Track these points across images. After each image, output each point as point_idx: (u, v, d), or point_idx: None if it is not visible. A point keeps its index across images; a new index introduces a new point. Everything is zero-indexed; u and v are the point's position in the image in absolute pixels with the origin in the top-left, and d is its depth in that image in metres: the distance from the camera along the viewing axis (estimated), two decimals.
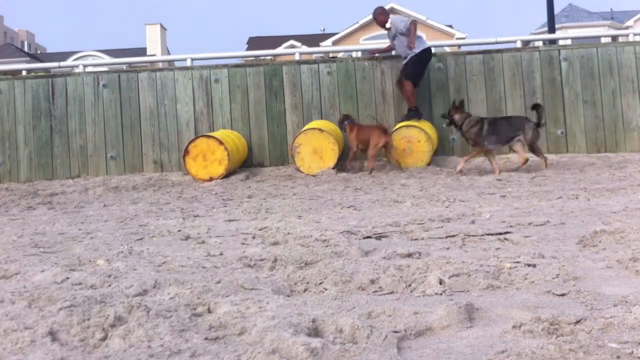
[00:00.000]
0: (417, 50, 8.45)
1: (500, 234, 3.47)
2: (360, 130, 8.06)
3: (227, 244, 3.58)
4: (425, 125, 8.47)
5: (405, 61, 8.58)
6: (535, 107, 7.28)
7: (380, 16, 8.74)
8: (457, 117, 7.28)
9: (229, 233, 3.97)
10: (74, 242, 3.88)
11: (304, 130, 8.25)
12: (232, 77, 9.17)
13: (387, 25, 8.69)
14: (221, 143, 7.94)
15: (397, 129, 8.27)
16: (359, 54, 9.98)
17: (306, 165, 8.12)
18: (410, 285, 2.44)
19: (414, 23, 8.54)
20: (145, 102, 9.19)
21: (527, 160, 7.15)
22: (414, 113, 8.45)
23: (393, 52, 8.92)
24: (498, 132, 7.13)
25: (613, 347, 1.66)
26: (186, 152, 8.06)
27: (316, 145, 8.08)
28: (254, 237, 3.73)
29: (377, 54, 9.18)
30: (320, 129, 8.12)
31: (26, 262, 3.17)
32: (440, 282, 2.43)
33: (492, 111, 8.99)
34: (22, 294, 2.37)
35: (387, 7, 34.66)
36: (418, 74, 8.55)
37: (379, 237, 3.61)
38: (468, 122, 7.19)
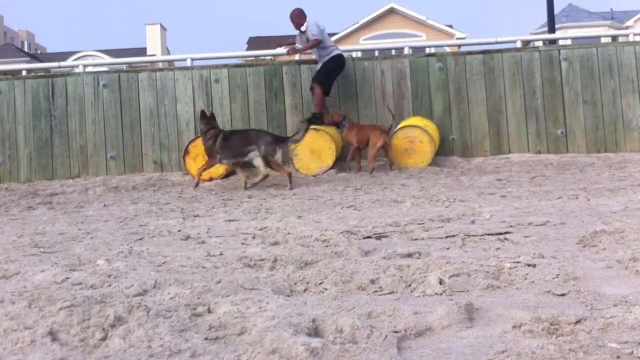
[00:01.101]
0: (326, 58, 8.45)
1: (500, 234, 3.46)
2: (360, 129, 8.07)
3: (227, 244, 3.58)
4: (430, 127, 8.47)
5: (318, 67, 8.59)
6: (308, 119, 6.97)
7: (297, 18, 8.63)
8: (201, 127, 7.09)
9: (229, 233, 3.97)
10: (74, 242, 3.88)
11: None
12: (232, 77, 9.17)
13: (303, 28, 8.63)
14: None
15: (400, 128, 8.27)
16: (359, 54, 9.99)
17: (305, 166, 8.13)
18: (410, 285, 2.44)
19: (315, 42, 8.43)
20: (145, 102, 9.19)
21: (266, 175, 6.78)
22: (314, 118, 8.27)
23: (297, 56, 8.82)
24: (230, 146, 6.82)
25: (613, 347, 1.66)
26: (186, 152, 8.06)
27: (313, 146, 8.08)
28: (254, 237, 3.73)
29: (289, 51, 8.91)
30: (315, 129, 8.13)
31: (26, 262, 3.16)
32: (440, 282, 2.43)
33: (493, 111, 9.00)
34: (22, 294, 2.37)
35: (387, 7, 34.81)
36: (327, 80, 8.48)
37: (379, 237, 3.61)
38: (207, 134, 6.95)
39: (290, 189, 6.61)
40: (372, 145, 7.87)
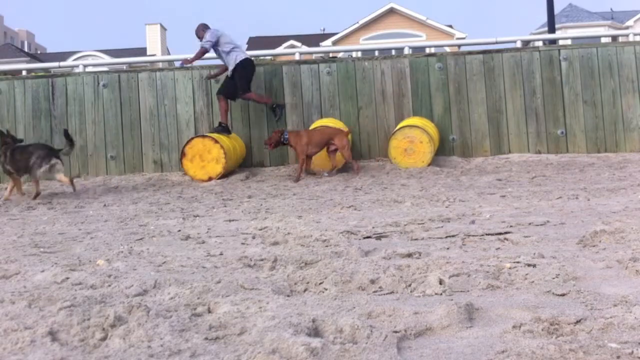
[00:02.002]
0: (233, 65, 8.33)
1: (500, 234, 3.46)
2: (313, 134, 7.85)
3: (227, 244, 3.58)
4: (429, 127, 8.48)
5: (230, 73, 8.47)
6: (64, 134, 7.10)
7: (201, 32, 8.56)
8: None
9: (229, 233, 3.97)
10: (74, 242, 3.88)
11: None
12: None
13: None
14: (216, 142, 7.94)
15: (399, 128, 8.28)
16: (359, 54, 10.00)
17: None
18: (410, 285, 2.44)
19: (201, 51, 8.39)
20: (145, 102, 9.19)
21: (37, 194, 6.85)
22: (277, 108, 8.39)
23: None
24: (16, 160, 6.93)
25: (613, 347, 1.66)
26: (182, 154, 8.04)
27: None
28: (254, 237, 3.73)
29: (211, 76, 8.92)
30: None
31: (26, 262, 3.16)
32: (440, 282, 2.43)
33: (493, 111, 9.00)
34: (22, 294, 2.37)
35: (387, 7, 34.79)
36: (245, 83, 8.38)
37: (379, 237, 3.61)
38: (0, 150, 7.04)
39: (74, 190, 6.80)
40: (341, 148, 7.72)
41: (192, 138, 8.16)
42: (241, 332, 1.91)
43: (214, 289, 2.40)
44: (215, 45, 8.40)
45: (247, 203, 5.68)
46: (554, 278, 2.44)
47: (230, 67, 8.41)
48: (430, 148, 8.08)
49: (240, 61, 8.36)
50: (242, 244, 3.56)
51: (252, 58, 8.73)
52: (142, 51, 42.77)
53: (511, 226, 3.70)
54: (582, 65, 8.98)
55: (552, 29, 15.90)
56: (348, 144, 7.80)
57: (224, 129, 8.42)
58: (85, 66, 10.22)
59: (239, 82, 8.37)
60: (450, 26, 35.94)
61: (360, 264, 2.76)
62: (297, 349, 1.70)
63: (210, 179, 7.91)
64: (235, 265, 2.92)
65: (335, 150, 7.83)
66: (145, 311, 2.07)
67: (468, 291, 2.35)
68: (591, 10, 43.34)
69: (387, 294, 2.38)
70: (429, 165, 8.05)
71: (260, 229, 4.00)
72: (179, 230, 4.17)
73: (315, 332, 1.89)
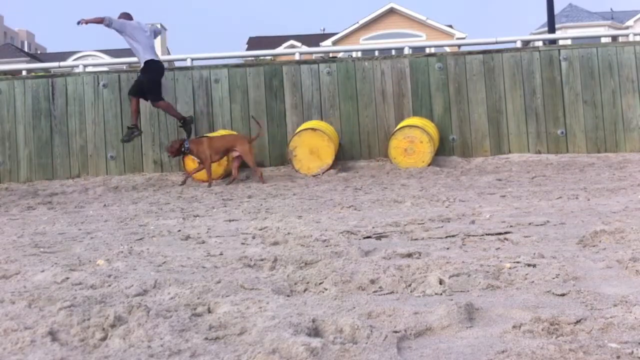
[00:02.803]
0: (142, 64, 8.09)
1: (500, 234, 3.46)
2: (213, 140, 7.74)
3: (227, 244, 3.58)
4: (429, 127, 8.48)
5: (139, 72, 8.26)
6: None
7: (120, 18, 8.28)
8: None
9: (229, 233, 3.97)
10: (74, 242, 3.88)
11: (297, 133, 8.26)
12: (232, 77, 9.17)
13: None
14: None
15: (399, 128, 8.29)
16: (359, 54, 10.01)
17: (305, 166, 8.13)
18: (410, 285, 2.44)
19: (99, 19, 7.97)
20: (146, 102, 9.18)
21: None
22: (186, 124, 8.12)
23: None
24: None
25: (613, 347, 1.66)
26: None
27: (312, 145, 8.09)
28: (254, 237, 3.73)
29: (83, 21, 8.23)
30: (312, 129, 8.14)
31: (26, 262, 3.16)
32: (440, 282, 2.42)
33: (493, 111, 9.00)
34: (22, 294, 2.37)
35: (387, 7, 34.80)
36: (154, 88, 8.15)
37: (379, 237, 3.61)
38: None
39: None
40: (244, 154, 7.61)
41: (195, 137, 8.16)
42: (241, 332, 1.91)
43: (214, 289, 2.40)
44: (124, 35, 8.07)
45: (247, 203, 5.68)
46: (554, 278, 2.44)
47: (140, 66, 8.19)
48: (430, 148, 8.09)
49: (146, 61, 8.06)
50: (242, 244, 3.56)
51: (161, 61, 8.35)
52: None
53: (511, 226, 3.70)
54: (582, 65, 8.98)
55: (552, 29, 15.89)
56: (251, 151, 7.62)
57: (133, 130, 8.18)
58: (85, 66, 10.22)
59: (147, 86, 8.13)
60: (450, 26, 35.93)
61: (360, 264, 2.76)
62: (297, 349, 1.70)
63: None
64: (235, 265, 2.92)
65: (239, 157, 7.67)
66: (145, 311, 2.07)
67: (468, 291, 2.35)
68: (591, 10, 43.35)
69: (387, 294, 2.37)
70: (429, 165, 8.06)
71: (260, 229, 4.00)
72: (179, 230, 4.17)
73: (315, 332, 1.89)
